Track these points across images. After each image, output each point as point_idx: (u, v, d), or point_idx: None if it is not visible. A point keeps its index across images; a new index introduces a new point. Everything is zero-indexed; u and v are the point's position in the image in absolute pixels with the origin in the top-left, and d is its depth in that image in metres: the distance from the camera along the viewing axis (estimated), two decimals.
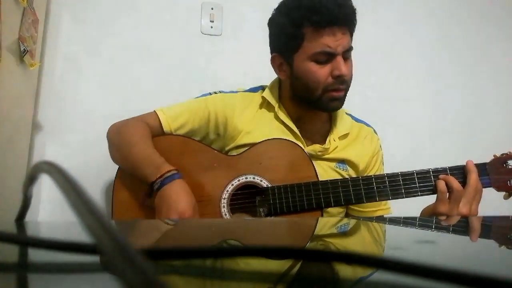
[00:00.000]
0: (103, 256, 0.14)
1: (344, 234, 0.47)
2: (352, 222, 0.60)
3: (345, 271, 0.24)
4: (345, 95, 1.00)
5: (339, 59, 0.95)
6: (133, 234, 0.42)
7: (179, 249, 0.24)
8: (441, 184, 0.89)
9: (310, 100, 1.00)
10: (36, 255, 0.27)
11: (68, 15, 1.35)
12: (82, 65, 1.35)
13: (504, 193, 0.90)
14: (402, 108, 1.61)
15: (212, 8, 1.47)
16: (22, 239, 0.29)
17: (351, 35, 0.99)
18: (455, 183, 0.88)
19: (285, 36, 1.00)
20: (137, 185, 0.99)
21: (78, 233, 0.20)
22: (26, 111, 1.17)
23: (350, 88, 1.01)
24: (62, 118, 1.31)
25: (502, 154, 0.91)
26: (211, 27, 1.46)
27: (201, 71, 1.43)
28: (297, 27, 0.95)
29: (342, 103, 1.01)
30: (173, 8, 1.44)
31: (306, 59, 0.97)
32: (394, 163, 1.17)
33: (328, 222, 0.63)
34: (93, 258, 0.24)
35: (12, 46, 0.99)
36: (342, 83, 0.96)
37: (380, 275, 0.22)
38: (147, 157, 0.94)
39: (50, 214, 1.24)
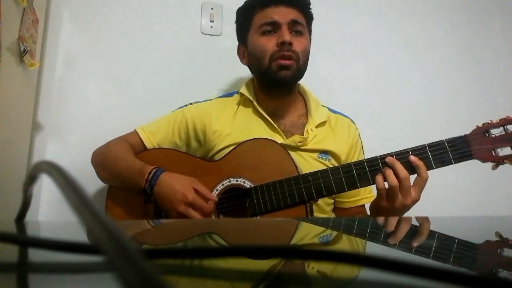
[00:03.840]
0: (103, 256, 0.14)
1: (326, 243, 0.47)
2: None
3: (330, 269, 0.24)
4: (297, 68, 1.03)
5: (284, 28, 1.02)
6: (130, 234, 0.42)
7: (178, 249, 0.24)
8: (379, 180, 0.88)
9: (262, 73, 1.05)
10: (36, 255, 0.27)
11: (68, 15, 1.35)
12: (82, 65, 1.35)
13: (491, 164, 0.85)
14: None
15: (212, 8, 1.47)
16: (22, 239, 0.29)
17: (304, 16, 1.07)
18: (390, 176, 0.86)
19: (240, 23, 1.14)
20: (127, 200, 1.01)
21: (78, 233, 0.20)
22: (26, 111, 1.17)
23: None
24: (62, 118, 1.31)
25: (484, 124, 0.86)
26: (211, 27, 1.46)
27: (201, 71, 1.43)
28: (247, 11, 1.09)
29: (293, 74, 1.03)
30: (173, 8, 1.44)
31: (255, 34, 1.06)
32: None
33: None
34: (93, 258, 0.24)
35: (12, 46, 0.99)
36: (288, 49, 1.01)
37: (366, 274, 0.22)
38: (129, 165, 0.98)
39: (50, 214, 1.23)
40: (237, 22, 1.16)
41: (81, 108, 1.33)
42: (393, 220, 0.63)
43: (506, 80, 1.70)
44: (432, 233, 0.46)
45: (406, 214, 0.92)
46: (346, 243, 0.40)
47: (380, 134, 1.44)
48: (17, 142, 1.11)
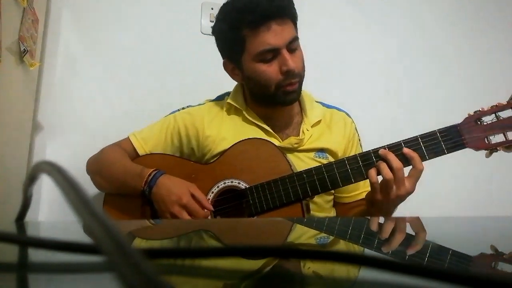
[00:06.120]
0: (103, 256, 0.14)
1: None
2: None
3: (328, 269, 0.24)
4: (300, 86, 0.99)
5: (284, 53, 0.94)
6: (130, 234, 0.42)
7: (179, 249, 0.24)
8: (372, 174, 0.87)
9: (267, 97, 1.00)
10: (36, 255, 0.27)
11: (68, 15, 1.35)
12: (82, 65, 1.35)
13: (484, 152, 0.83)
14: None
15: (212, 8, 1.46)
16: (22, 239, 0.29)
17: (294, 24, 0.98)
18: (384, 170, 0.85)
19: (228, 42, 1.02)
20: (124, 207, 1.01)
21: (78, 233, 0.20)
22: (26, 111, 1.17)
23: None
24: (62, 118, 1.31)
25: (475, 112, 0.85)
26: (211, 27, 1.46)
27: (201, 71, 1.43)
28: (236, 31, 0.96)
29: (299, 94, 1.01)
30: (173, 8, 1.44)
31: (252, 60, 0.97)
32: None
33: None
34: (93, 258, 0.24)
35: (12, 46, 0.99)
36: (293, 76, 0.96)
37: (364, 273, 0.22)
38: (127, 169, 0.98)
39: (50, 214, 1.23)
40: (222, 40, 1.04)
41: (81, 108, 1.33)
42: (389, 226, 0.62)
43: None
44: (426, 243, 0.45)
45: (402, 212, 0.93)
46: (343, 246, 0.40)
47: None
48: (17, 142, 1.11)
